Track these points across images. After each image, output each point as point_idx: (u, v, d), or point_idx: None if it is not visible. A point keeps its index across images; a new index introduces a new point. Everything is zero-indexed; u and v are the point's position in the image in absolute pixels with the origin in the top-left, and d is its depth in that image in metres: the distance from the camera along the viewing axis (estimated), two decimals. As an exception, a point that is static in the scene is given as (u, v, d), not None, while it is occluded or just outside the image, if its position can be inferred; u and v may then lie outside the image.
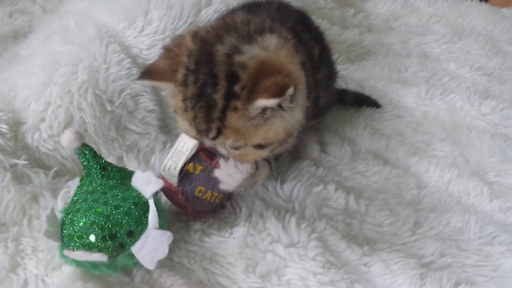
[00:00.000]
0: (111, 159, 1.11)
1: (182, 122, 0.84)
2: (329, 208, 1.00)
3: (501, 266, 0.89)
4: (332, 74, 1.19)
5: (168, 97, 0.88)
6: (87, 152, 0.88)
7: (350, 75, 1.50)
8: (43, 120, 1.07)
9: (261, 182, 0.98)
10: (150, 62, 1.16)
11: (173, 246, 0.90)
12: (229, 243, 0.91)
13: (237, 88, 0.75)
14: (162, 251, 0.79)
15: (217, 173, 0.89)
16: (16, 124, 1.06)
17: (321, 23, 1.60)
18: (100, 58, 1.13)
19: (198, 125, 0.80)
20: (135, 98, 1.16)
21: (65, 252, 0.79)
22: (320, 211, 0.99)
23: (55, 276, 0.85)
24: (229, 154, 0.86)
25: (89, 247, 0.78)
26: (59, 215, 0.85)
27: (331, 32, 1.64)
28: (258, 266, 0.87)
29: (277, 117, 0.80)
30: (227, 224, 0.96)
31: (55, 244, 0.89)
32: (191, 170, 0.90)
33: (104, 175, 0.89)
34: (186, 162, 0.89)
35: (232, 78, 0.76)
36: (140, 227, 0.81)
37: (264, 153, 0.85)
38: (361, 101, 1.36)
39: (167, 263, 0.88)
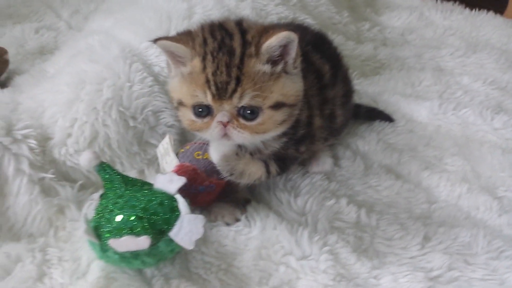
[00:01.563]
0: (133, 173, 1.16)
1: (198, 92, 0.87)
2: (341, 221, 1.04)
3: (507, 280, 0.91)
4: (349, 92, 1.23)
5: (172, 86, 0.94)
6: (106, 167, 0.94)
7: (364, 90, 1.53)
8: (69, 135, 1.12)
9: (251, 181, 0.98)
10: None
11: (190, 257, 0.95)
12: (244, 255, 0.96)
13: (249, 36, 0.87)
14: (198, 231, 0.87)
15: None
16: (44, 140, 1.12)
17: (336, 38, 1.64)
18: (124, 77, 1.19)
19: (219, 77, 0.84)
20: (157, 114, 1.21)
21: (111, 241, 0.85)
22: (332, 225, 1.03)
23: (79, 286, 0.90)
24: (240, 131, 0.87)
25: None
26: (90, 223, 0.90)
27: (346, 47, 1.68)
28: (271, 278, 0.91)
29: (287, 78, 0.89)
30: (242, 236, 1.00)
31: (79, 255, 0.96)
32: (182, 150, 1.05)
33: (127, 183, 0.94)
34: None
35: (244, 32, 0.88)
36: (175, 214, 0.89)
37: (279, 118, 0.89)
38: (374, 116, 1.40)
39: (185, 272, 0.93)
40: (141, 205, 0.88)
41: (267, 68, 0.86)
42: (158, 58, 1.24)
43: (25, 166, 1.04)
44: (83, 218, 0.89)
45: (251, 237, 0.99)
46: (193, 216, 0.88)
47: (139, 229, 0.86)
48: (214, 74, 0.85)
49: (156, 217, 0.88)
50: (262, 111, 0.87)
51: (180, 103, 0.91)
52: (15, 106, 1.20)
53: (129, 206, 0.88)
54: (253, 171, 0.98)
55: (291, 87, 0.90)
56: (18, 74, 1.45)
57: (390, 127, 1.37)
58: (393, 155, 1.26)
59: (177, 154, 1.05)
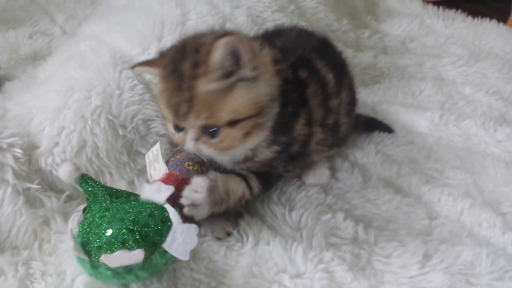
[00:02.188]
0: (122, 183, 1.13)
1: (164, 112, 0.91)
2: (337, 237, 0.99)
3: (511, 303, 0.87)
4: (353, 100, 1.21)
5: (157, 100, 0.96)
6: (88, 179, 0.91)
7: (363, 99, 1.48)
8: (56, 144, 1.09)
9: (236, 199, 0.96)
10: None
11: (178, 273, 0.91)
12: (235, 272, 0.91)
13: (199, 56, 0.86)
14: (192, 241, 0.83)
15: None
16: (30, 148, 1.08)
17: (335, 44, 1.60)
18: (114, 84, 1.15)
19: (171, 99, 0.87)
20: (147, 123, 1.17)
21: (103, 257, 0.80)
22: (328, 241, 0.98)
23: (62, 302, 0.86)
24: (208, 147, 0.89)
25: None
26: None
27: (345, 55, 1.63)
28: (263, 297, 0.87)
29: (242, 88, 0.86)
30: (233, 252, 0.96)
31: (64, 269, 0.92)
32: (172, 159, 1.02)
33: (112, 195, 0.91)
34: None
35: (197, 51, 0.87)
36: (166, 225, 0.85)
37: (238, 133, 0.88)
38: (373, 126, 1.36)
39: (173, 291, 0.89)
40: (131, 217, 0.84)
41: (219, 85, 0.84)
42: (150, 65, 1.20)
43: (9, 176, 1.00)
44: (70, 234, 0.85)
45: (242, 253, 0.95)
46: (185, 225, 0.85)
47: (131, 242, 0.81)
48: (169, 96, 0.88)
49: (148, 229, 0.83)
50: (220, 129, 0.87)
51: (164, 117, 0.94)
52: (4, 113, 1.18)
53: (118, 219, 0.84)
54: (235, 187, 0.95)
55: (245, 97, 0.87)
56: (9, 80, 1.41)
57: (389, 138, 1.33)
58: (393, 168, 1.21)
59: (166, 163, 1.01)
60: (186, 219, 0.92)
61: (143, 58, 1.22)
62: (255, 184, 0.98)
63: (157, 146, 1.03)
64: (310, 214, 1.04)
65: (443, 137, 1.34)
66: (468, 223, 1.05)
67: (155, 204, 0.88)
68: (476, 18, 2.02)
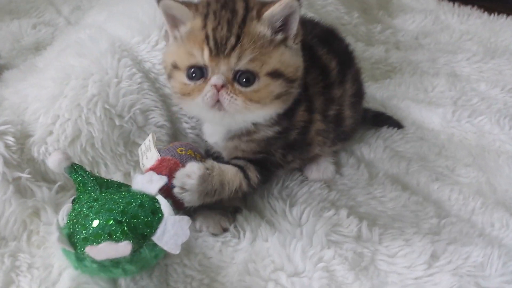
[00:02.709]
0: (118, 175, 1.09)
1: (193, 50, 0.86)
2: (340, 235, 0.94)
3: (523, 308, 0.81)
4: (359, 92, 1.16)
5: (167, 52, 0.94)
6: (78, 168, 0.87)
7: (372, 94, 1.44)
8: (50, 133, 1.05)
9: (232, 191, 0.91)
10: (162, 76, 1.15)
11: (170, 269, 0.87)
12: (229, 269, 0.87)
13: (251, 3, 0.87)
14: (184, 234, 0.79)
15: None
16: (24, 137, 1.05)
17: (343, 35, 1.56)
18: (112, 72, 1.11)
19: (219, 32, 0.83)
20: (146, 113, 1.13)
21: (88, 248, 0.76)
22: (329, 238, 0.93)
23: (48, 296, 0.82)
24: (235, 96, 0.84)
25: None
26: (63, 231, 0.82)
27: (355, 49, 1.58)
28: (258, 296, 0.82)
29: (286, 49, 0.87)
30: (229, 248, 0.92)
31: (51, 262, 0.88)
32: (164, 148, 1.00)
33: (102, 185, 0.87)
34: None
35: (247, 1, 0.88)
36: (157, 217, 0.81)
37: (276, 89, 0.86)
38: (382, 121, 1.30)
39: (163, 286, 0.84)
40: (120, 208, 0.80)
41: (268, 32, 0.85)
42: (149, 53, 1.17)
43: (-1, 164, 0.96)
44: (55, 224, 0.81)
45: (239, 249, 0.91)
46: (177, 217, 0.80)
47: (118, 234, 0.77)
48: (214, 30, 0.84)
49: (137, 221, 0.79)
50: (258, 78, 0.85)
51: (175, 67, 0.89)
52: (0, 101, 1.14)
53: (106, 209, 0.80)
54: (231, 179, 0.91)
55: (290, 58, 0.88)
56: (8, 69, 1.38)
57: (398, 134, 1.27)
58: (401, 164, 1.16)
59: (159, 150, 0.98)
60: (179, 208, 0.88)
61: (143, 46, 1.19)
62: (253, 174, 0.94)
63: (150, 136, 0.99)
64: (312, 210, 0.99)
65: (455, 134, 1.29)
66: (479, 222, 1.00)
67: (146, 195, 0.84)
68: (492, 15, 1.96)
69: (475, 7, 2.02)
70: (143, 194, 0.84)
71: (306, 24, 1.13)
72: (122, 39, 1.19)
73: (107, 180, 0.89)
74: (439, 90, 1.50)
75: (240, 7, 0.86)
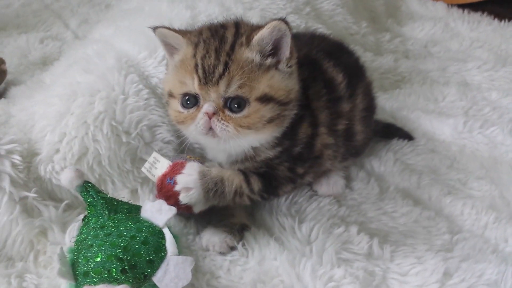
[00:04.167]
0: (125, 192, 1.08)
1: (185, 79, 0.88)
2: (350, 253, 0.93)
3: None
4: (370, 107, 1.15)
5: (165, 79, 0.97)
6: (90, 188, 0.86)
7: (381, 105, 1.42)
8: (57, 151, 1.04)
9: (232, 190, 0.90)
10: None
11: (179, 290, 0.85)
12: (238, 290, 0.86)
13: (242, 29, 0.88)
14: (185, 277, 0.78)
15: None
16: (30, 155, 1.04)
17: (353, 49, 1.54)
18: (118, 89, 1.10)
19: (208, 60, 0.85)
20: (152, 129, 1.12)
21: None
22: (339, 256, 0.91)
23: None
24: (226, 124, 0.85)
25: (109, 281, 0.76)
26: (68, 255, 0.81)
27: (363, 59, 1.56)
28: (267, 318, 0.81)
29: (277, 72, 0.87)
30: (237, 267, 0.90)
31: (58, 283, 0.87)
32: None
33: (111, 210, 0.86)
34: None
35: (238, 26, 0.90)
36: (160, 256, 0.79)
37: (266, 114, 0.86)
38: (392, 133, 1.29)
39: (171, 309, 0.83)
40: (123, 244, 0.78)
41: (256, 58, 0.85)
42: (156, 69, 1.16)
43: (5, 184, 0.96)
44: (58, 256, 0.79)
45: (247, 269, 0.90)
46: (180, 258, 0.79)
47: (118, 272, 0.76)
48: (203, 58, 0.85)
49: (138, 259, 0.78)
50: (248, 104, 0.85)
51: (170, 95, 0.91)
52: (7, 118, 1.14)
53: (109, 243, 0.79)
54: (231, 175, 0.91)
55: (281, 82, 0.87)
56: (15, 85, 1.38)
57: (409, 146, 1.26)
58: (412, 178, 1.14)
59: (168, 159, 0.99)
60: (189, 211, 0.90)
61: (150, 62, 1.18)
62: (255, 181, 0.93)
63: (153, 154, 1.00)
64: (321, 227, 0.97)
65: (467, 146, 1.27)
66: (493, 238, 0.98)
67: (152, 227, 0.83)
68: (503, 21, 1.94)
69: (485, 13, 2.00)
70: (149, 227, 0.83)
71: (315, 39, 1.12)
72: (129, 55, 1.18)
73: (118, 202, 0.88)
74: (449, 100, 1.48)
75: (229, 34, 0.87)
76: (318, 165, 1.03)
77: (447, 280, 0.87)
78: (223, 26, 0.91)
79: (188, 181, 0.87)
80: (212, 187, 0.87)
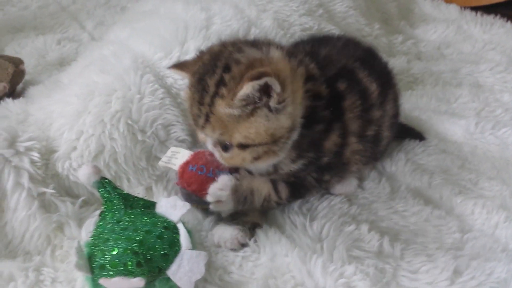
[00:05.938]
0: (140, 189, 1.10)
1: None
2: (361, 250, 0.93)
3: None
4: (398, 114, 1.16)
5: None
6: (106, 184, 0.88)
7: (393, 106, 1.42)
8: (74, 148, 1.07)
9: (261, 198, 0.95)
10: (183, 91, 1.17)
11: (191, 285, 0.87)
12: (250, 285, 0.87)
13: (227, 77, 0.83)
14: (199, 271, 0.79)
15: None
16: (49, 152, 1.07)
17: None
18: (134, 88, 1.13)
19: (193, 109, 0.88)
20: (167, 128, 1.15)
21: (102, 281, 0.78)
22: (350, 254, 0.92)
23: (70, 310, 0.83)
24: (221, 157, 0.90)
25: (125, 274, 0.77)
26: (84, 249, 0.83)
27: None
28: (278, 312, 0.82)
29: (261, 116, 0.83)
30: (249, 263, 0.92)
31: (75, 276, 0.90)
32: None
33: (127, 205, 0.88)
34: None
35: (227, 69, 0.84)
36: (174, 250, 0.81)
37: (248, 156, 0.87)
38: (404, 133, 1.29)
39: (185, 302, 0.85)
40: (138, 238, 0.80)
41: (236, 111, 0.83)
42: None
43: (24, 180, 0.99)
44: (75, 249, 0.81)
45: (259, 265, 0.91)
46: (194, 252, 0.81)
47: (133, 265, 0.77)
48: (191, 106, 0.89)
49: (154, 253, 0.79)
50: (232, 147, 0.87)
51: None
52: (25, 117, 1.17)
53: (125, 237, 0.81)
54: (260, 185, 0.94)
55: (262, 126, 0.84)
56: (34, 84, 1.41)
57: (420, 147, 1.26)
58: (423, 178, 1.15)
59: None
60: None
61: (165, 62, 1.20)
62: (283, 188, 0.96)
63: (170, 148, 1.04)
64: (332, 225, 0.98)
65: (478, 146, 1.27)
66: (503, 237, 0.98)
67: (167, 222, 0.85)
68: (516, 24, 1.92)
69: (498, 15, 1.99)
70: (164, 222, 0.85)
71: (349, 45, 1.12)
72: (144, 55, 1.21)
73: (133, 198, 0.90)
74: (461, 101, 1.48)
75: (212, 83, 0.85)
76: (344, 170, 1.04)
77: (457, 278, 0.88)
78: (213, 65, 0.86)
79: (221, 195, 0.90)
80: (242, 200, 0.92)
